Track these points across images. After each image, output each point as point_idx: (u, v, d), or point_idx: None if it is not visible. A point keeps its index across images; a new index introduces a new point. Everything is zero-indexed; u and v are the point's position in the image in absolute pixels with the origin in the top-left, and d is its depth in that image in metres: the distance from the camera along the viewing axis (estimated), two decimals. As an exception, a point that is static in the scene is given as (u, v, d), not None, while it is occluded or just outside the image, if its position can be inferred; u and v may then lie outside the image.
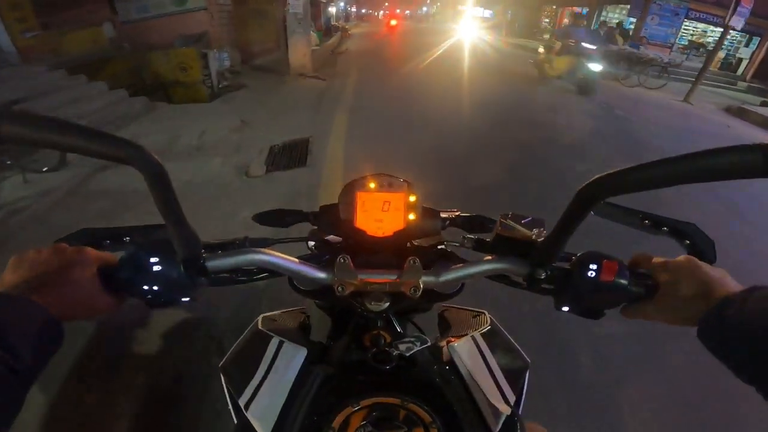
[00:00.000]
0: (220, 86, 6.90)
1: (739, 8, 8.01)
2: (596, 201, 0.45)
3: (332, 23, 18.74)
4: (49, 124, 0.37)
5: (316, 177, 3.52)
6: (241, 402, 0.56)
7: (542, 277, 0.56)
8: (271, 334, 0.66)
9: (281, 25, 7.99)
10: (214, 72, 6.70)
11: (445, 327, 0.83)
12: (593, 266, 0.52)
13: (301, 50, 7.80)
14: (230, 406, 0.61)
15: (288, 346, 0.63)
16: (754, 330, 0.40)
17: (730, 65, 14.73)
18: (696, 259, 0.52)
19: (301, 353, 0.62)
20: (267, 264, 0.57)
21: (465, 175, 3.73)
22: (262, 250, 0.58)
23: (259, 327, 0.69)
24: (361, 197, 0.62)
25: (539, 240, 0.58)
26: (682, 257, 0.54)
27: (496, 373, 0.61)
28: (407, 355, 0.60)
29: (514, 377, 0.62)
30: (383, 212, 0.63)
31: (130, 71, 6.24)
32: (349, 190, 0.62)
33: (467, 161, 4.12)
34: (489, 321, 0.75)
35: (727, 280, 0.49)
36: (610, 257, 0.53)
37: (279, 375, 0.59)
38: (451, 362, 0.63)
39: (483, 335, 0.68)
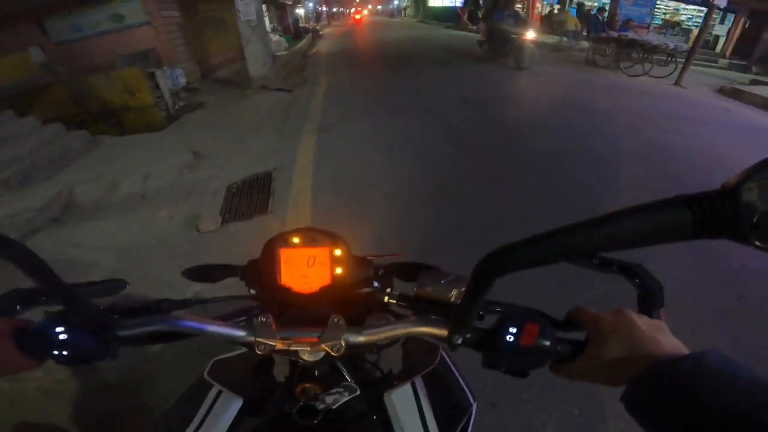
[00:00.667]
0: (176, 107, 6.32)
1: (725, -14, 7.71)
2: (495, 278, 0.42)
3: (301, 25, 17.98)
4: None
5: (279, 227, 3.00)
6: None
7: (459, 342, 0.53)
8: (212, 382, 0.65)
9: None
10: (166, 92, 6.11)
11: (405, 357, 0.82)
12: (512, 329, 0.51)
13: (259, 60, 7.20)
14: None
15: (225, 396, 0.63)
16: (674, 404, 0.38)
17: (707, 43, 14.55)
18: (631, 315, 0.50)
19: (236, 404, 0.61)
20: (182, 329, 0.56)
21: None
22: (178, 314, 0.57)
23: (204, 374, 0.68)
24: (284, 253, 0.63)
25: (458, 301, 0.58)
26: (616, 312, 0.50)
27: (429, 425, 0.61)
28: (334, 407, 0.59)
29: (451, 426, 0.61)
30: (309, 267, 0.63)
31: (68, 99, 5.59)
32: (272, 246, 0.63)
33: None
34: (438, 358, 0.73)
35: (661, 339, 0.46)
36: (532, 318, 0.51)
37: (210, 427, 0.59)
38: (385, 412, 0.62)
39: (426, 378, 0.68)
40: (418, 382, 0.67)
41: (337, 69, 9.54)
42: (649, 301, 0.55)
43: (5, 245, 0.42)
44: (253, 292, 0.75)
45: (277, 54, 9.82)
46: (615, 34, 10.52)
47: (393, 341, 0.66)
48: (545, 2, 21.28)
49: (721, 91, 8.63)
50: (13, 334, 0.52)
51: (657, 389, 0.40)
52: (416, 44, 13.90)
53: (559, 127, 5.24)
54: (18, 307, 0.57)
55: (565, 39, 12.68)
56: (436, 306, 0.60)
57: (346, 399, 0.61)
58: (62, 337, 0.51)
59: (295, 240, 0.62)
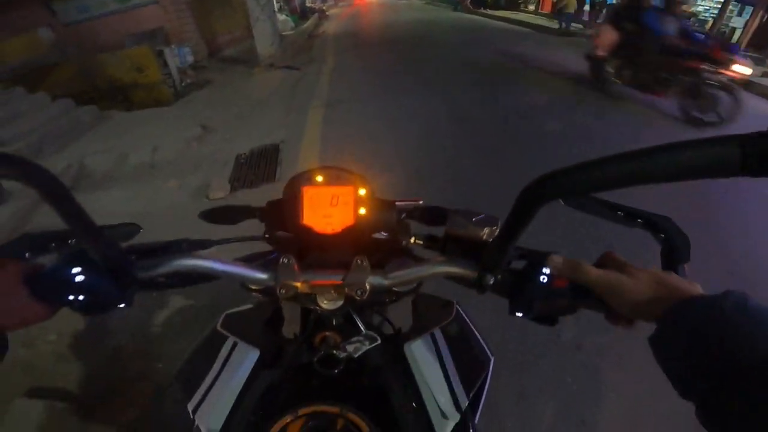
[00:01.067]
0: (183, 84, 6.31)
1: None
2: (542, 204, 0.39)
3: (307, 5, 17.74)
4: None
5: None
6: (190, 407, 0.55)
7: (491, 283, 0.51)
8: (227, 334, 0.65)
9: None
10: (174, 70, 6.11)
11: (416, 316, 0.80)
12: (546, 270, 0.49)
13: (267, 38, 7.12)
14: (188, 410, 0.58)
15: (241, 347, 0.62)
16: (703, 346, 0.36)
17: (723, 34, 14.19)
18: (662, 273, 0.47)
19: (253, 355, 0.61)
20: (202, 269, 0.54)
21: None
22: (198, 253, 0.55)
23: (218, 327, 0.67)
24: (307, 192, 0.59)
25: (490, 240, 0.56)
26: (649, 269, 0.48)
27: (451, 376, 0.60)
28: (356, 356, 0.58)
29: (471, 379, 0.60)
30: (332, 207, 0.60)
31: (78, 77, 5.59)
32: (294, 184, 0.60)
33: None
34: (455, 313, 0.72)
35: (685, 282, 0.45)
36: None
37: (228, 378, 0.58)
38: (405, 363, 0.61)
39: (444, 330, 0.67)
40: (437, 334, 0.66)
41: (343, 49, 9.40)
42: (675, 256, 0.52)
43: (26, 168, 0.39)
44: (270, 235, 0.72)
45: (283, 33, 9.70)
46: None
47: (414, 289, 0.65)
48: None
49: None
50: (24, 278, 0.49)
51: (681, 328, 0.40)
52: (425, 27, 13.63)
53: None
54: (27, 254, 0.54)
55: (561, 23, 12.07)
56: (466, 247, 0.57)
57: (367, 348, 0.59)
58: (79, 279, 0.48)
59: (319, 178, 0.59)
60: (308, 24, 13.79)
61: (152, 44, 6.00)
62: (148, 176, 3.45)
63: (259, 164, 3.50)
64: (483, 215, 0.59)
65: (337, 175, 0.59)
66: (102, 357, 1.82)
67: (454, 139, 4.03)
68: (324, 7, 20.86)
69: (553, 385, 1.68)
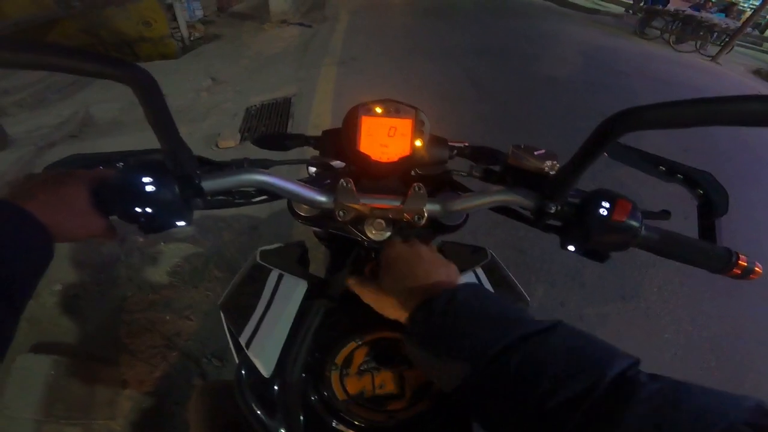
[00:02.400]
0: (191, 39, 6.10)
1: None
2: (616, 135, 0.42)
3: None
4: (36, 47, 0.36)
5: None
6: (242, 340, 0.54)
7: (552, 211, 0.53)
8: (270, 267, 0.64)
9: (261, -34, 6.95)
10: (183, 24, 5.89)
11: None
12: (606, 204, 0.50)
13: (282, -7, 6.80)
14: (231, 345, 0.58)
15: (288, 279, 0.62)
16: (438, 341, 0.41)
17: (758, 26, 13.38)
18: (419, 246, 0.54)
19: (302, 286, 0.60)
20: (266, 185, 0.54)
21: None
22: (262, 170, 0.55)
23: (258, 260, 0.66)
24: (366, 121, 0.61)
25: (551, 173, 0.57)
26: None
27: None
28: None
29: None
30: (389, 137, 0.61)
31: (83, 31, 5.41)
32: (354, 114, 0.61)
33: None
34: (489, 256, 0.72)
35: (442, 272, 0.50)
36: (624, 197, 0.51)
37: (279, 310, 0.57)
38: None
39: (484, 269, 0.67)
40: (479, 271, 0.67)
41: (358, 8, 9.04)
42: (711, 210, 0.56)
43: (128, 69, 0.40)
44: (328, 163, 0.73)
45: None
46: (672, 8, 9.76)
47: (460, 224, 0.66)
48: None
49: (758, 72, 8.74)
50: (91, 187, 0.46)
51: (425, 325, 0.43)
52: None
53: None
54: None
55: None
56: (528, 178, 0.58)
57: None
58: (149, 189, 0.46)
59: (378, 110, 0.60)
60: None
61: (162, -2, 5.78)
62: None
63: (270, 116, 3.37)
64: (543, 150, 0.59)
65: (396, 108, 0.60)
66: (107, 309, 1.75)
67: (470, 105, 3.85)
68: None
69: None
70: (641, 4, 11.73)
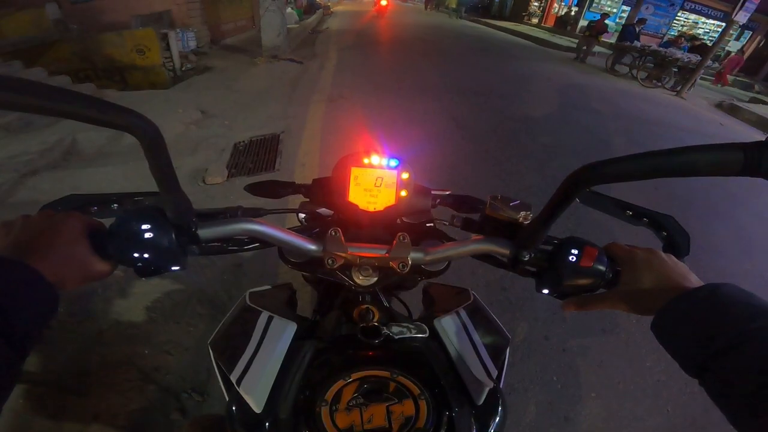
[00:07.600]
0: (183, 69, 6.20)
1: (747, 3, 7.59)
2: (582, 188, 0.46)
3: (315, 0, 17.62)
4: (44, 90, 0.36)
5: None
6: (233, 377, 0.55)
7: (526, 259, 0.57)
8: (260, 309, 0.66)
9: (256, 1, 7.17)
10: (176, 54, 6.01)
11: (430, 302, 0.83)
12: (575, 251, 0.55)
13: (275, 29, 7.02)
14: (221, 382, 0.60)
15: (277, 321, 0.63)
16: (703, 328, 0.42)
17: (717, 57, 14.33)
18: (660, 253, 0.55)
19: (291, 328, 0.62)
20: (259, 234, 0.57)
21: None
22: (255, 219, 0.58)
23: (248, 302, 0.69)
24: (355, 172, 0.65)
25: (525, 222, 0.61)
26: (648, 250, 0.55)
27: (479, 349, 0.62)
28: (396, 337, 0.60)
29: (496, 353, 0.63)
30: (376, 188, 0.66)
31: (76, 55, 5.46)
32: (344, 164, 0.66)
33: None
34: (472, 297, 0.75)
35: (689, 276, 0.51)
36: (591, 244, 0.56)
37: (269, 350, 0.59)
38: (437, 337, 0.64)
39: (467, 311, 0.69)
40: (462, 313, 0.69)
41: (346, 46, 9.38)
42: (676, 251, 0.59)
43: (131, 118, 0.41)
44: (316, 210, 0.78)
45: (287, 26, 9.64)
46: (638, 44, 10.36)
47: (443, 269, 0.71)
48: (563, 3, 21.01)
49: (720, 106, 8.82)
50: (89, 233, 0.48)
51: (681, 315, 0.45)
52: (430, 31, 13.67)
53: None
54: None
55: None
56: (503, 228, 0.62)
57: (411, 335, 0.61)
58: (147, 235, 0.49)
59: (366, 160, 0.65)
60: (312, 19, 13.72)
61: (158, 26, 5.90)
62: (143, 155, 3.35)
63: (259, 152, 3.44)
64: (518, 201, 0.63)
65: (383, 158, 0.65)
66: (81, 341, 1.71)
67: (454, 147, 4.02)
68: (329, 4, 20.68)
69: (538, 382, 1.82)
70: (583, 48, 11.78)
